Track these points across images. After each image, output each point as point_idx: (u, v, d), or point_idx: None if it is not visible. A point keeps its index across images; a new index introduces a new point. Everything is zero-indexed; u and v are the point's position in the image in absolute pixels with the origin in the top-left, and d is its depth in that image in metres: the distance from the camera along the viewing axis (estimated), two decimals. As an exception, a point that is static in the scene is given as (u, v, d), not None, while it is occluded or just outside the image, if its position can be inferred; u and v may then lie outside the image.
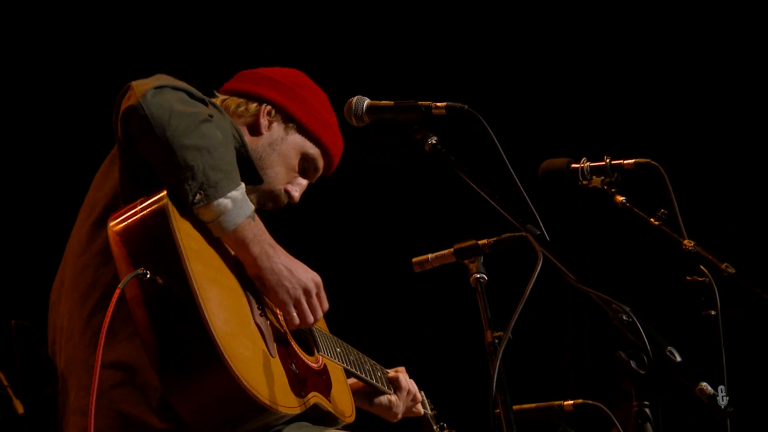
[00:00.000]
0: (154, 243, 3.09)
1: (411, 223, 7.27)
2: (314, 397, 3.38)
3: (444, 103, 3.36)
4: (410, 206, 7.31)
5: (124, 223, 3.14)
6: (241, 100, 3.69)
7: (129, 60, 6.51)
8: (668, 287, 6.66)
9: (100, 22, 6.54)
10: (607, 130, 7.19)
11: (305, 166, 3.73)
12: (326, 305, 3.38)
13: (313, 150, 3.72)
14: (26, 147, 6.47)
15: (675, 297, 6.62)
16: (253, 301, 3.28)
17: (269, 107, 3.68)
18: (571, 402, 4.10)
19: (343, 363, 3.67)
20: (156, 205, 3.12)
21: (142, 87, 3.10)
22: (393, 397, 3.92)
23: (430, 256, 3.40)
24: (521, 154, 4.10)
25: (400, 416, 3.94)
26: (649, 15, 7.08)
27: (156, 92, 3.08)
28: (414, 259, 3.43)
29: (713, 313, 3.79)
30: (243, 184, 3.20)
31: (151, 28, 6.63)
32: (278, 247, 3.28)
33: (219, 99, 3.70)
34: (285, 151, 3.67)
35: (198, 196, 3.10)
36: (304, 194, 3.73)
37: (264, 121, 3.67)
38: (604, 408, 4.00)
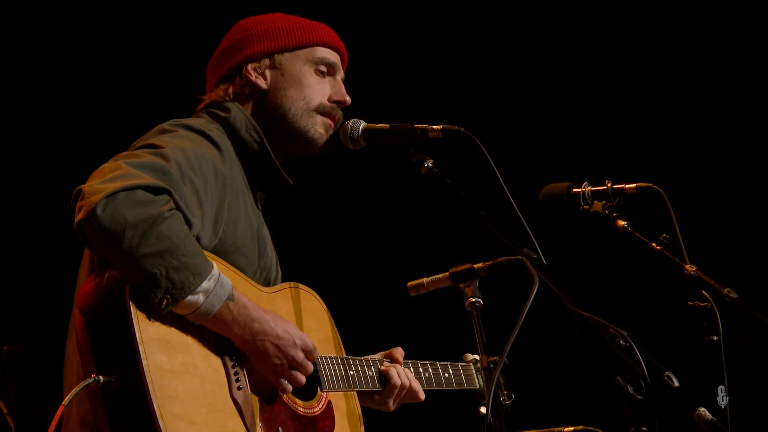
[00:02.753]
0: (113, 335, 3.04)
1: (407, 245, 7.23)
2: None
3: (440, 126, 3.34)
4: (406, 229, 7.28)
5: (88, 307, 3.09)
6: (225, 84, 3.60)
7: (129, 60, 6.55)
8: (673, 313, 6.63)
9: (100, 20, 6.56)
10: (611, 154, 7.16)
11: (322, 68, 3.63)
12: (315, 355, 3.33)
13: (314, 55, 3.62)
14: (21, 166, 6.49)
15: (680, 322, 6.58)
16: (231, 371, 3.21)
17: (249, 65, 3.59)
18: (571, 428, 4.06)
19: (357, 387, 3.59)
20: (115, 293, 3.05)
21: (92, 197, 2.98)
22: (381, 395, 3.75)
23: (425, 280, 3.36)
24: (523, 179, 4.07)
25: (393, 408, 3.78)
26: (654, 37, 7.06)
27: (107, 203, 2.96)
28: (409, 283, 3.40)
29: (715, 338, 3.74)
30: (215, 269, 3.11)
31: (151, 28, 6.67)
32: (263, 318, 3.21)
33: (210, 96, 3.61)
34: (295, 79, 3.60)
35: (165, 302, 3.03)
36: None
37: (257, 80, 3.58)
38: (604, 435, 3.95)
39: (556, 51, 7.21)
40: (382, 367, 3.74)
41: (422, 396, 3.83)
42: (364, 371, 3.64)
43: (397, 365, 3.77)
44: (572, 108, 7.33)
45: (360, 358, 3.68)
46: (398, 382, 3.73)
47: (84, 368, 3.08)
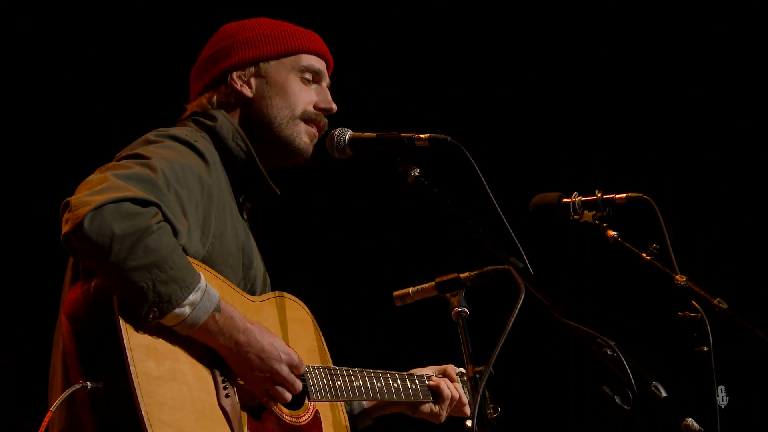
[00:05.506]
0: (100, 342, 3.03)
1: (398, 253, 7.22)
2: None
3: (427, 135, 3.33)
4: (397, 236, 7.27)
5: (75, 315, 3.09)
6: (209, 92, 3.59)
7: (117, 68, 6.55)
8: (663, 323, 6.62)
9: (92, 28, 6.57)
10: (606, 165, 7.16)
11: (307, 76, 3.62)
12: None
13: (299, 62, 3.62)
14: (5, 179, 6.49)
15: (671, 333, 6.58)
16: (219, 379, 3.20)
17: (234, 74, 3.58)
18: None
19: (343, 397, 3.57)
20: (103, 300, 3.05)
21: (79, 210, 2.97)
22: (435, 407, 3.89)
23: (411, 289, 3.35)
24: (520, 189, 4.06)
25: (443, 419, 3.92)
26: (650, 47, 7.07)
27: (94, 215, 2.95)
28: (395, 293, 3.38)
29: (706, 349, 3.72)
30: (202, 280, 3.10)
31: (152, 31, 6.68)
32: (249, 330, 3.19)
33: (194, 105, 3.60)
34: (280, 87, 3.58)
35: (151, 314, 3.02)
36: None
37: (243, 88, 3.58)
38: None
39: (551, 62, 7.21)
40: (431, 382, 3.85)
41: (468, 411, 3.93)
42: (353, 382, 3.62)
43: (446, 380, 3.90)
44: (568, 119, 7.33)
45: (353, 368, 3.66)
46: (449, 395, 3.86)
47: (71, 375, 3.07)
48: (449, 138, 3.30)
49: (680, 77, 7.05)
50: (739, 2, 6.89)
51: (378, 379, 3.66)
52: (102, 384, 2.99)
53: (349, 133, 3.46)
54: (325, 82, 3.67)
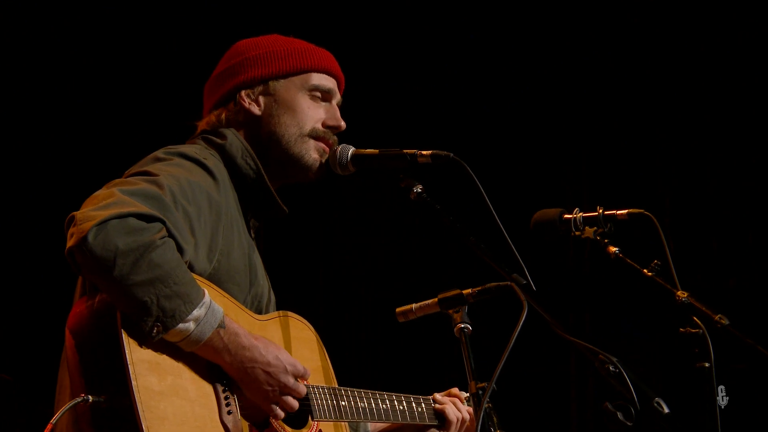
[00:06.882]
0: (103, 356, 3.04)
1: (400, 270, 7.23)
2: None
3: (429, 151, 3.34)
4: (400, 253, 7.28)
5: (79, 329, 3.10)
6: (219, 110, 3.59)
7: (127, 83, 6.57)
8: (665, 339, 6.63)
9: (101, 42, 6.60)
10: (604, 181, 7.17)
11: (317, 95, 3.61)
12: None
13: (309, 81, 3.61)
14: (11, 193, 6.50)
15: (672, 349, 6.58)
16: (222, 395, 3.21)
17: (243, 92, 3.58)
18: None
19: (348, 418, 3.56)
20: (107, 314, 3.06)
21: (84, 224, 2.98)
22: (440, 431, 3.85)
23: (413, 306, 3.35)
24: (516, 205, 4.07)
25: None
26: (647, 66, 7.08)
27: (98, 230, 2.96)
28: (398, 309, 3.39)
29: (707, 365, 3.72)
30: (207, 296, 3.10)
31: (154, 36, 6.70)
32: (254, 346, 3.20)
33: (204, 122, 3.62)
34: (288, 105, 3.57)
35: (155, 329, 3.02)
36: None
37: (251, 106, 3.57)
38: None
39: (551, 79, 7.22)
40: (437, 406, 3.82)
41: None
42: (357, 403, 3.61)
43: (452, 401, 3.85)
44: (568, 135, 7.34)
45: (358, 389, 3.65)
46: (454, 418, 3.82)
47: (73, 388, 3.08)
48: (451, 154, 3.31)
49: (678, 91, 7.07)
50: (741, 14, 6.91)
51: (383, 401, 3.66)
52: (103, 398, 3.00)
53: (351, 149, 3.47)
54: (336, 100, 3.66)
